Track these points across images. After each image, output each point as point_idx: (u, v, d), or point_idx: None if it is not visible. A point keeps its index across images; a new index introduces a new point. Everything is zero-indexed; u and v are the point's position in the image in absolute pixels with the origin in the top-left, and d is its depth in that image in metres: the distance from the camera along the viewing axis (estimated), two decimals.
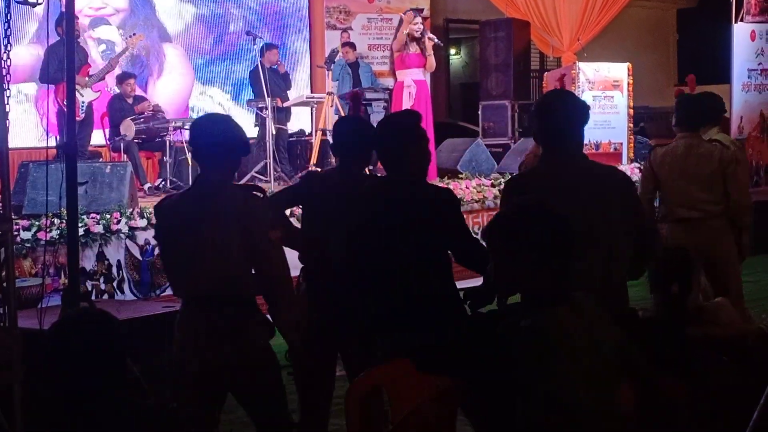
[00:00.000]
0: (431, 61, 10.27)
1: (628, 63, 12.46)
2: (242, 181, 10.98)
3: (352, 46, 12.84)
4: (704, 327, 4.18)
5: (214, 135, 4.02)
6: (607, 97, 12.07)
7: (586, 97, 11.88)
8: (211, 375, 3.95)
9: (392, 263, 4.08)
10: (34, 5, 4.34)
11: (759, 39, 12.32)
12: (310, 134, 12.04)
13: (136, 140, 10.26)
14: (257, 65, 10.85)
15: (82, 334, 2.82)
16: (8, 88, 3.99)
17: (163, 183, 10.28)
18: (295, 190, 5.14)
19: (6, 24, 3.97)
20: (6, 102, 3.98)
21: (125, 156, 9.98)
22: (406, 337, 3.95)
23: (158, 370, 5.63)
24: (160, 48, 12.99)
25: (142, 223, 7.82)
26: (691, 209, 6.02)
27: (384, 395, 3.92)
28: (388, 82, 12.66)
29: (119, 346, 2.86)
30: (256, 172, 10.92)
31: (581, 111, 4.10)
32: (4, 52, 3.93)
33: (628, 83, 12.26)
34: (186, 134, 10.81)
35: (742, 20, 12.22)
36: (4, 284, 4.27)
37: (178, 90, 13.17)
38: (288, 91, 11.98)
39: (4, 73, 3.93)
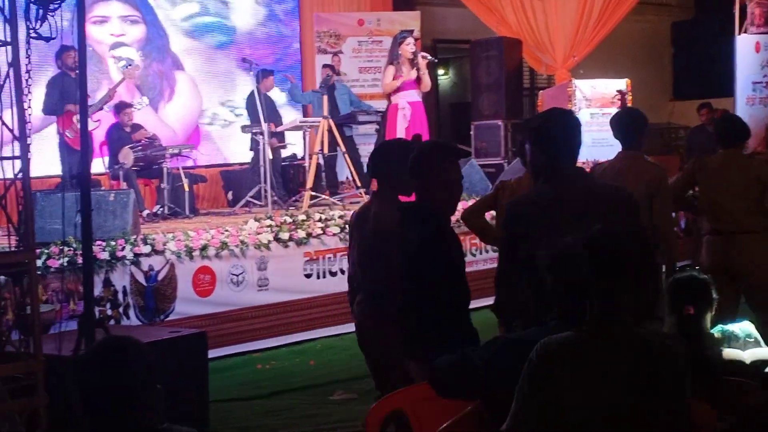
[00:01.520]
0: (426, 80, 10.28)
1: (626, 79, 12.40)
2: (237, 206, 11.05)
3: (332, 68, 12.92)
4: (728, 350, 4.20)
5: (386, 162, 4.76)
6: (605, 114, 11.98)
7: (584, 114, 11.87)
8: None
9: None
10: (48, 40, 4.39)
11: (764, 50, 11.99)
12: (302, 158, 12.07)
13: (134, 168, 10.28)
14: (253, 91, 10.89)
15: (113, 360, 2.82)
16: (29, 121, 4.03)
17: (161, 209, 10.30)
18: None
19: (27, 59, 4.02)
20: (28, 135, 4.02)
21: (124, 183, 10.00)
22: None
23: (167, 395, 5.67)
24: (172, 75, 13.35)
25: (146, 249, 7.85)
26: (731, 223, 6.28)
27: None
28: (379, 104, 12.70)
29: (151, 370, 2.87)
30: (251, 197, 10.94)
31: (576, 130, 4.15)
32: (26, 86, 3.97)
33: (628, 99, 12.17)
34: (182, 161, 10.89)
35: (745, 32, 12.02)
36: (27, 310, 4.29)
37: (188, 114, 13.52)
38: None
39: (26, 107, 3.97)
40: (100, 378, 2.79)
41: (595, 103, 12.12)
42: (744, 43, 12.03)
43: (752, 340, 4.34)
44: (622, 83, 12.26)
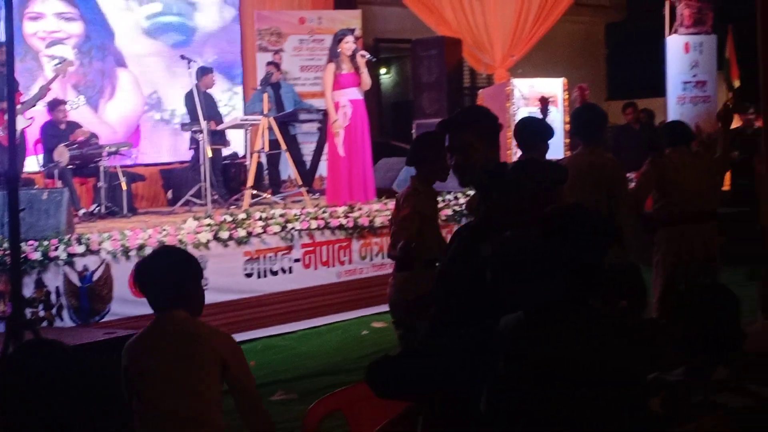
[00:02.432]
0: (366, 79, 10.20)
1: (563, 78, 12.49)
2: (177, 205, 10.91)
3: (277, 66, 12.85)
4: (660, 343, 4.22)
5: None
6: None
7: (522, 113, 11.93)
8: None
9: None
10: None
11: (693, 51, 12.14)
12: (244, 156, 11.97)
13: (69, 166, 10.11)
14: (192, 89, 10.75)
15: (30, 366, 2.72)
16: None
17: (97, 208, 10.15)
18: None
19: None
20: None
21: (59, 182, 9.84)
22: None
23: (103, 399, 5.56)
24: (114, 72, 13.20)
25: (81, 249, 7.70)
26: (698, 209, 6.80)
27: None
28: (321, 103, 12.65)
29: (71, 376, 2.77)
30: (192, 196, 10.81)
31: None
32: None
33: (564, 98, 12.26)
34: (120, 159, 10.71)
35: (675, 32, 12.15)
36: None
37: (129, 112, 13.38)
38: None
39: None
40: (15, 383, 2.70)
41: (533, 102, 12.12)
42: (674, 44, 12.17)
43: None
44: (559, 83, 12.32)
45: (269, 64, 12.88)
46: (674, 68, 12.00)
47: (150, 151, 13.41)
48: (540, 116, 8.38)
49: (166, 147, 13.59)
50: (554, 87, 12.32)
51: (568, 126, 12.17)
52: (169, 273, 3.65)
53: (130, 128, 13.28)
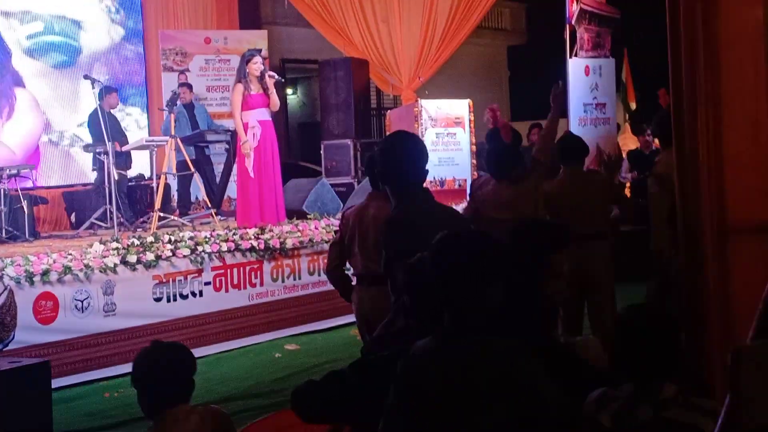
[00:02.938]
0: (275, 99, 10.15)
1: (469, 100, 12.58)
2: (81, 229, 10.68)
3: (189, 87, 12.73)
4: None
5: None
6: (449, 134, 12.17)
7: (429, 134, 12.03)
8: None
9: None
10: None
11: (593, 74, 12.27)
12: (150, 178, 11.80)
13: None
14: (96, 109, 10.57)
15: None
16: None
17: None
18: None
19: None
20: None
21: None
22: None
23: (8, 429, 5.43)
24: (11, 92, 12.95)
25: None
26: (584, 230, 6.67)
27: None
28: (228, 123, 12.57)
29: None
30: (96, 219, 10.60)
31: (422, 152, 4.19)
32: None
33: (470, 120, 12.34)
34: (21, 182, 10.45)
35: (576, 56, 12.32)
36: None
37: (28, 133, 13.13)
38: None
39: None
40: None
41: (440, 123, 12.24)
42: (575, 67, 12.20)
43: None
44: (465, 104, 12.42)
45: (182, 85, 12.73)
46: (575, 90, 12.05)
47: (50, 173, 13.17)
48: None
49: (58, 169, 13.34)
50: (461, 108, 12.42)
51: (474, 147, 12.33)
52: (179, 372, 3.72)
53: (29, 150, 13.02)
